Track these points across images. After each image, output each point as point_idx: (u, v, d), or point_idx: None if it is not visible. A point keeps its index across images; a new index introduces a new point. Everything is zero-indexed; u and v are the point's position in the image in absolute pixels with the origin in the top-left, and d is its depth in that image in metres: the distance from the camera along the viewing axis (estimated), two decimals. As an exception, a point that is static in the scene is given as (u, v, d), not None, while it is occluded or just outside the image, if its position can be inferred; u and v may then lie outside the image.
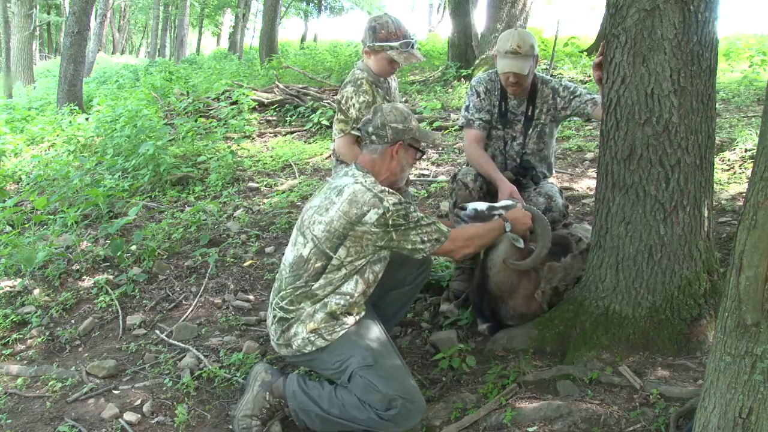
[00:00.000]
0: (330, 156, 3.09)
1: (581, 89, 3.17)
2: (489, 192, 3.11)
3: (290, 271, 2.40)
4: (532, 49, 2.96)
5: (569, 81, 3.19)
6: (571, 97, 3.13)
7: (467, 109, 3.20)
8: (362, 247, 2.32)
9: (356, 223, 2.27)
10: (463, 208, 2.80)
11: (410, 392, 2.25)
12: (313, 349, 2.35)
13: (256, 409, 2.38)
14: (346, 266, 2.33)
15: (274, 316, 2.43)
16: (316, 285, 2.35)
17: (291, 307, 2.37)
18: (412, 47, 2.79)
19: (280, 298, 2.41)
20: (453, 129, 6.70)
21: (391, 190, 2.36)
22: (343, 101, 2.89)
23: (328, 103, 7.93)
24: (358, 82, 2.88)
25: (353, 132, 2.86)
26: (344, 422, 2.29)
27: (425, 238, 2.36)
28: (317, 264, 2.33)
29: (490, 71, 3.24)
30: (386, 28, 2.75)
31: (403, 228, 2.31)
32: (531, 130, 3.16)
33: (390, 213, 2.28)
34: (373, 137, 2.43)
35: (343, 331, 2.35)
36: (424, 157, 6.02)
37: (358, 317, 2.40)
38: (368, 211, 2.26)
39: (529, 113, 3.13)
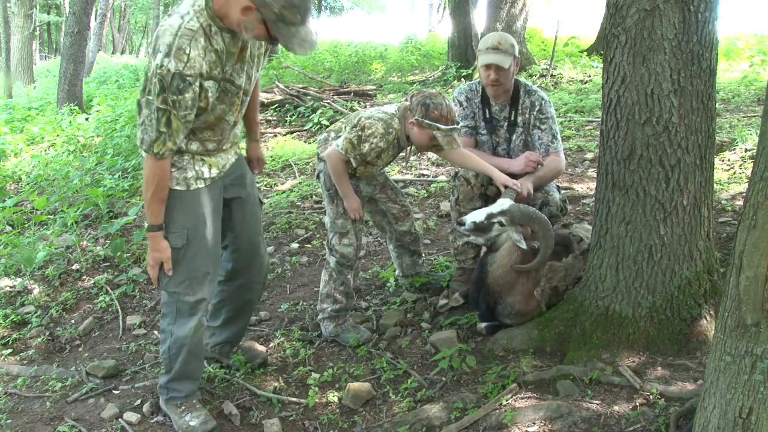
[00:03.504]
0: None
1: (552, 129, 3.14)
2: (489, 190, 3.11)
3: None
4: (512, 47, 3.01)
5: (553, 111, 3.19)
6: (541, 126, 3.12)
7: None
8: None
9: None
10: (462, 223, 2.80)
11: (191, 293, 2.36)
12: None
13: None
14: None
15: None
16: None
17: None
18: (456, 131, 2.81)
19: None
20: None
21: (190, 50, 2.04)
22: (366, 131, 2.82)
23: (328, 103, 7.93)
24: (390, 130, 2.85)
25: (351, 160, 2.86)
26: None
27: (147, 129, 2.12)
28: None
29: (470, 82, 3.27)
30: (439, 110, 2.75)
31: (149, 96, 2.08)
32: (515, 135, 3.17)
33: (156, 71, 2.03)
34: None
35: (175, 186, 2.29)
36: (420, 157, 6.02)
37: (199, 175, 2.32)
38: (156, 55, 2.04)
39: (512, 118, 3.15)
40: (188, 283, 2.37)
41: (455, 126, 2.79)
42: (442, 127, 2.75)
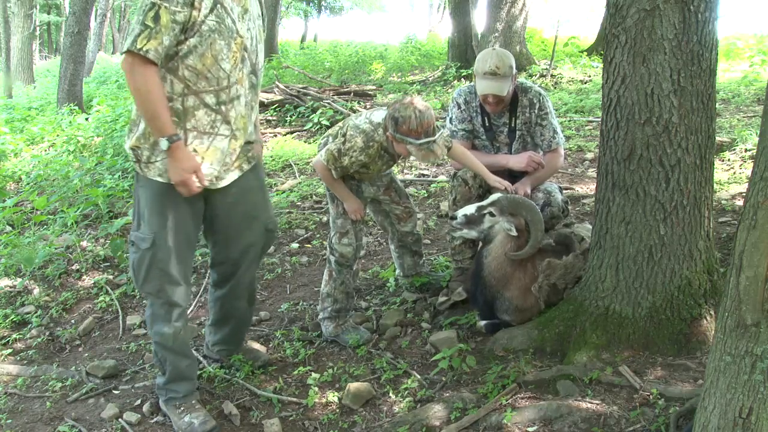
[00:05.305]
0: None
1: (552, 125, 3.13)
2: (488, 189, 3.12)
3: None
4: (510, 69, 2.94)
5: (553, 107, 3.18)
6: (542, 123, 3.11)
7: (450, 120, 3.22)
8: None
9: None
10: (454, 218, 2.83)
11: (164, 297, 2.33)
12: (134, 164, 2.24)
13: None
14: None
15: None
16: None
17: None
18: (434, 143, 2.66)
19: None
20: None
21: None
22: (346, 144, 2.77)
23: (328, 103, 7.93)
24: (371, 143, 2.77)
25: (332, 171, 2.83)
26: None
27: (133, 28, 2.01)
28: None
29: (470, 84, 3.24)
30: (407, 124, 2.63)
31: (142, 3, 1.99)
32: (515, 141, 3.16)
33: None
34: None
35: (157, 176, 2.19)
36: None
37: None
38: None
39: (512, 124, 3.13)
40: (160, 286, 2.33)
41: (430, 139, 2.64)
42: (413, 141, 2.63)
